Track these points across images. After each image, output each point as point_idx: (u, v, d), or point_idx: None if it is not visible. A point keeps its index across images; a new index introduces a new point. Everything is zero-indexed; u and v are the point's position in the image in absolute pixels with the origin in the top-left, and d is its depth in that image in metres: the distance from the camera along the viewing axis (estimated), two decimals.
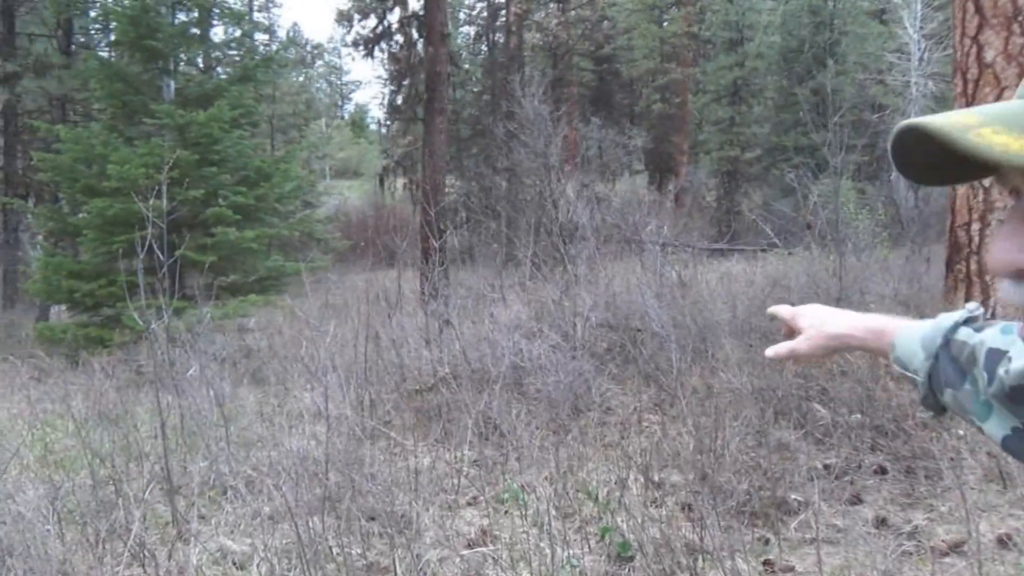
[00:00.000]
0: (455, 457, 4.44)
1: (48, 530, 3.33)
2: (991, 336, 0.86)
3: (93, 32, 12.62)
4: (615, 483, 4.00)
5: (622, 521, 3.58)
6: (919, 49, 17.00)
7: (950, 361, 0.91)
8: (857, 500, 3.84)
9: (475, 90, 24.98)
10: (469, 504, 4.00)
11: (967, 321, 0.92)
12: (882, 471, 4.12)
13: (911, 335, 0.97)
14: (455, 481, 4.13)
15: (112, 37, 11.58)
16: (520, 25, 22.64)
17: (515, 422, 4.69)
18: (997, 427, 0.83)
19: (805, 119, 15.56)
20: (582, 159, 22.48)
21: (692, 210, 20.89)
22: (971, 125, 0.52)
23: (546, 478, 4.12)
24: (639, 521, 3.49)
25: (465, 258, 15.69)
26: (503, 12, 23.34)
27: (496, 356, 5.10)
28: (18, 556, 3.16)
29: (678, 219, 14.98)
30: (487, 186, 18.32)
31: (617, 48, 27.85)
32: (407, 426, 4.97)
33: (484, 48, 25.66)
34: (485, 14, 25.04)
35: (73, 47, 12.50)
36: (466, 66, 25.76)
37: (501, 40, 23.66)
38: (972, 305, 0.94)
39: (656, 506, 3.80)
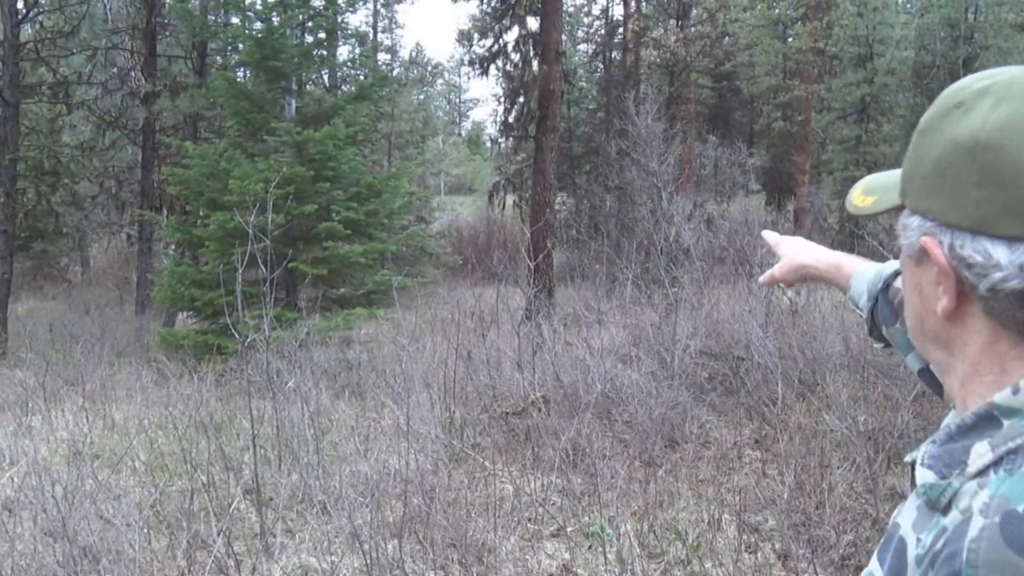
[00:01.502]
0: (542, 485, 4.32)
1: (139, 535, 3.43)
2: None
3: (229, 51, 13.34)
4: (707, 524, 3.79)
5: (712, 567, 3.37)
6: None
7: (887, 303, 1.09)
8: None
9: (590, 108, 24.88)
10: (553, 536, 3.87)
11: None
12: None
13: (862, 277, 1.16)
14: (539, 510, 4.01)
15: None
16: (637, 42, 22.38)
17: (605, 451, 4.53)
18: (915, 362, 1.02)
19: None
20: (697, 178, 22.00)
21: (812, 232, 20.02)
22: (857, 186, 0.85)
23: (634, 513, 3.95)
24: (730, 569, 3.27)
25: (574, 275, 15.56)
26: (621, 30, 23.17)
27: (588, 382, 4.96)
28: (110, 559, 3.27)
29: None
30: (597, 204, 18.16)
31: (738, 65, 27.13)
32: (497, 448, 4.90)
33: (600, 66, 25.55)
34: (603, 32, 24.94)
35: (209, 67, 13.27)
36: (582, 84, 25.71)
37: (618, 58, 23.48)
38: None
39: (750, 552, 3.56)
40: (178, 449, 4.89)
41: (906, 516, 0.70)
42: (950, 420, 0.73)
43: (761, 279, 1.37)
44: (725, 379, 5.44)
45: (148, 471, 4.81)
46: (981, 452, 0.64)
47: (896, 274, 1.08)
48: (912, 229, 0.71)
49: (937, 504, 0.65)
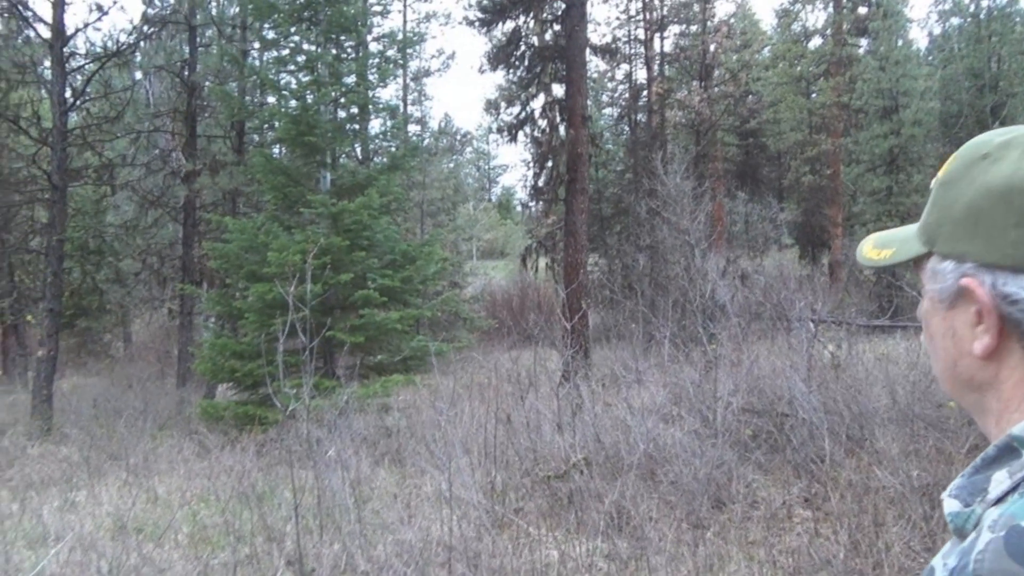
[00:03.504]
0: (587, 549, 4.24)
1: None
2: None
3: (265, 129, 13.78)
4: None
5: None
6: None
7: None
8: None
9: (618, 169, 25.13)
10: None
11: None
12: None
13: None
14: None
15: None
16: (662, 104, 22.70)
17: (651, 513, 4.44)
18: None
19: None
20: (728, 234, 21.97)
21: (849, 284, 19.80)
22: (866, 241, 0.87)
23: None
24: None
25: (609, 335, 15.49)
26: (645, 93, 23.54)
27: (630, 442, 4.89)
28: None
29: (833, 294, 14.19)
30: (629, 264, 18.18)
31: (763, 122, 27.32)
32: (540, 513, 4.82)
33: (626, 128, 25.89)
34: (627, 95, 25.34)
35: (247, 145, 13.72)
36: (609, 146, 26.02)
37: (643, 120, 23.80)
38: None
39: None
40: (221, 521, 4.90)
41: (942, 550, 0.73)
42: None
43: None
44: (770, 436, 5.34)
45: (191, 544, 4.81)
46: (1000, 480, 0.67)
47: None
48: (947, 273, 0.74)
49: (963, 532, 0.67)
